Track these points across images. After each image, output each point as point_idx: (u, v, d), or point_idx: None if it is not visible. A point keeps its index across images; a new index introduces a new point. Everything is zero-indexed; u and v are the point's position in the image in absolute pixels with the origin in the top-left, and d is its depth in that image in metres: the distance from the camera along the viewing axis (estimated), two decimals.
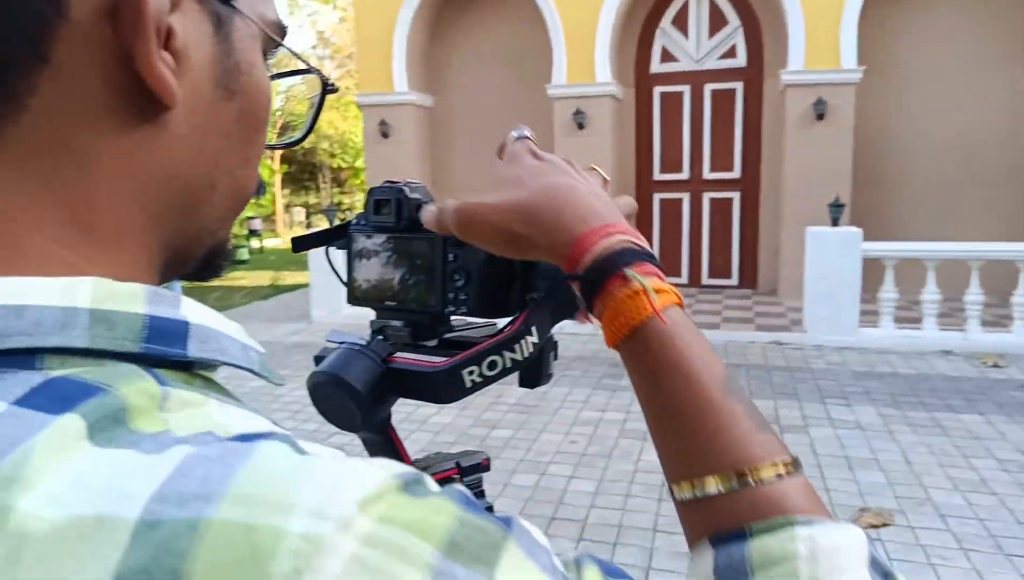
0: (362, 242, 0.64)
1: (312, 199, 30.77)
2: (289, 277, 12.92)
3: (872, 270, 6.88)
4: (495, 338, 0.56)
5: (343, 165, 28.95)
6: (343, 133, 26.90)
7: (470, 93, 9.78)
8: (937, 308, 6.50)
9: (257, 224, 20.09)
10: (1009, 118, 8.13)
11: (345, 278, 0.67)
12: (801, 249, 7.05)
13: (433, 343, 0.62)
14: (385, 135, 9.48)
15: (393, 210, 0.62)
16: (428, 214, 0.56)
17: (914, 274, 6.78)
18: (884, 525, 3.29)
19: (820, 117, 7.89)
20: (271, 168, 24.27)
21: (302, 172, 28.80)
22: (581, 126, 8.70)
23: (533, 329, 0.57)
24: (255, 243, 19.53)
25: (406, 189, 0.62)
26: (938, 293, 6.46)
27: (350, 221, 0.67)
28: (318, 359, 0.61)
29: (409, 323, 0.63)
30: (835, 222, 7.01)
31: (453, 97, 9.88)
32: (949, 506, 3.51)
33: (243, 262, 16.35)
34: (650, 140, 9.40)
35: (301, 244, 0.66)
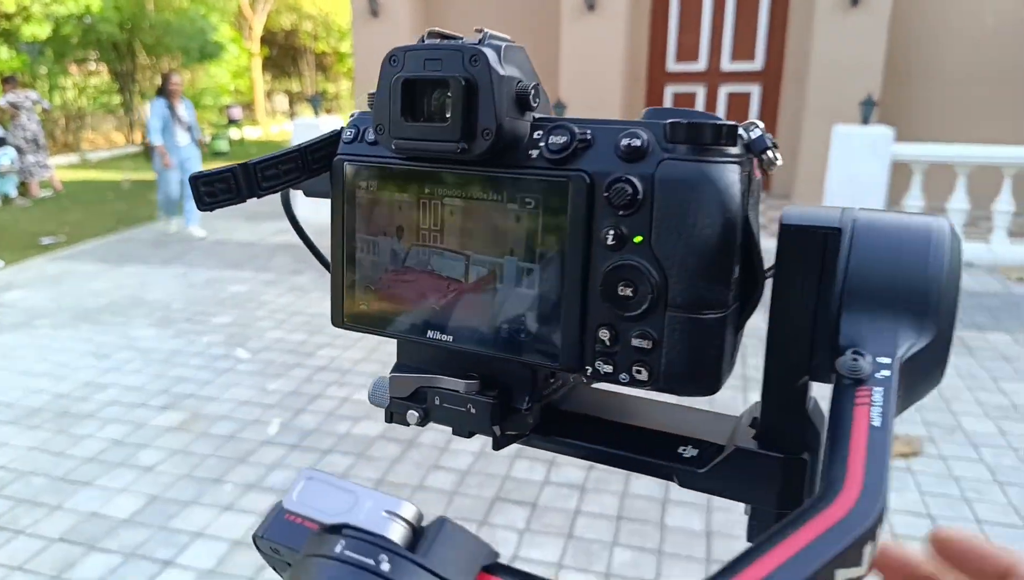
0: (371, 189, 0.44)
1: (295, 86, 29.41)
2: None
3: (897, 175, 6.46)
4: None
5: (327, 50, 27.48)
6: (327, 14, 25.35)
7: None
8: (965, 217, 6.12)
9: (236, 112, 18.97)
10: None
11: (330, 267, 0.47)
12: (823, 149, 6.64)
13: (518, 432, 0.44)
14: (375, 14, 8.67)
15: (460, 113, 0.38)
16: None
17: (943, 180, 6.38)
18: (914, 455, 3.18)
19: (854, 3, 7.19)
20: (249, 51, 22.89)
21: (283, 56, 27.34)
22: (592, 7, 7.95)
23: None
24: (235, 133, 18.55)
25: (492, 52, 0.38)
26: (967, 202, 6.10)
27: (337, 133, 0.46)
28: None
29: (488, 384, 0.44)
30: (865, 120, 6.52)
31: None
32: (981, 434, 3.37)
33: (222, 153, 15.61)
34: (666, 25, 8.74)
35: (207, 196, 0.42)
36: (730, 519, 2.69)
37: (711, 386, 0.38)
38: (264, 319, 4.99)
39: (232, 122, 18.64)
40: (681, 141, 0.36)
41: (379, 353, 4.31)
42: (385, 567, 0.27)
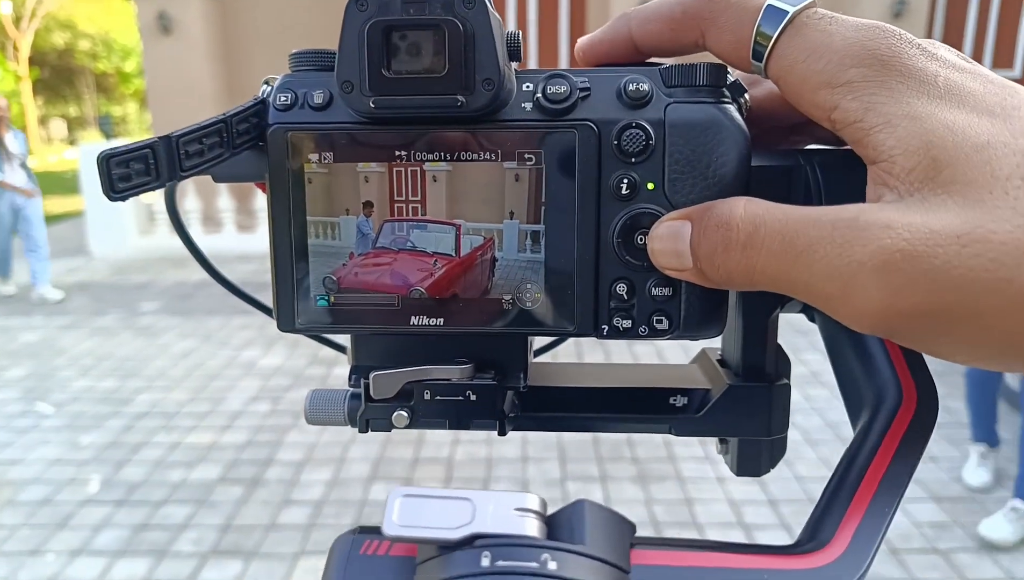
0: (326, 161, 0.38)
1: (73, 110, 26.78)
2: (55, 204, 11.09)
3: None
4: None
5: (109, 70, 25.30)
6: (106, 32, 23.34)
7: None
8: None
9: None
10: None
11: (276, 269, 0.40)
12: None
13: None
14: (166, 31, 8.11)
15: (461, 62, 0.34)
16: (663, 236, 0.34)
17: None
18: None
19: None
20: (17, 73, 20.55)
21: (58, 79, 24.80)
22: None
23: None
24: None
25: None
26: None
27: (261, 100, 0.38)
28: None
29: (481, 366, 0.41)
30: None
31: None
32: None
33: None
34: None
35: (119, 181, 0.33)
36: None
37: (721, 327, 0.39)
38: (66, 368, 4.48)
39: None
40: (678, 84, 0.36)
41: (210, 391, 4.02)
42: (552, 566, 0.26)
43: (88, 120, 25.22)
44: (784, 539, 2.60)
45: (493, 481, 3.03)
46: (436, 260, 0.39)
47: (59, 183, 12.90)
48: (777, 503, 2.82)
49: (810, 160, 0.40)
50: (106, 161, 0.33)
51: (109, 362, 4.55)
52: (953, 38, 8.31)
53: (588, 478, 3.03)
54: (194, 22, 8.18)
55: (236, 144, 0.37)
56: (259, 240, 7.06)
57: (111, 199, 0.34)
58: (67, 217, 9.56)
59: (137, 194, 0.34)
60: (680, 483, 2.98)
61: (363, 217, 0.39)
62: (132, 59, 22.89)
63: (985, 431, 3.12)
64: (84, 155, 7.07)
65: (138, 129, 23.33)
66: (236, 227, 7.24)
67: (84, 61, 24.57)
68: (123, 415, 3.78)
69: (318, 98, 0.38)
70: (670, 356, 3.91)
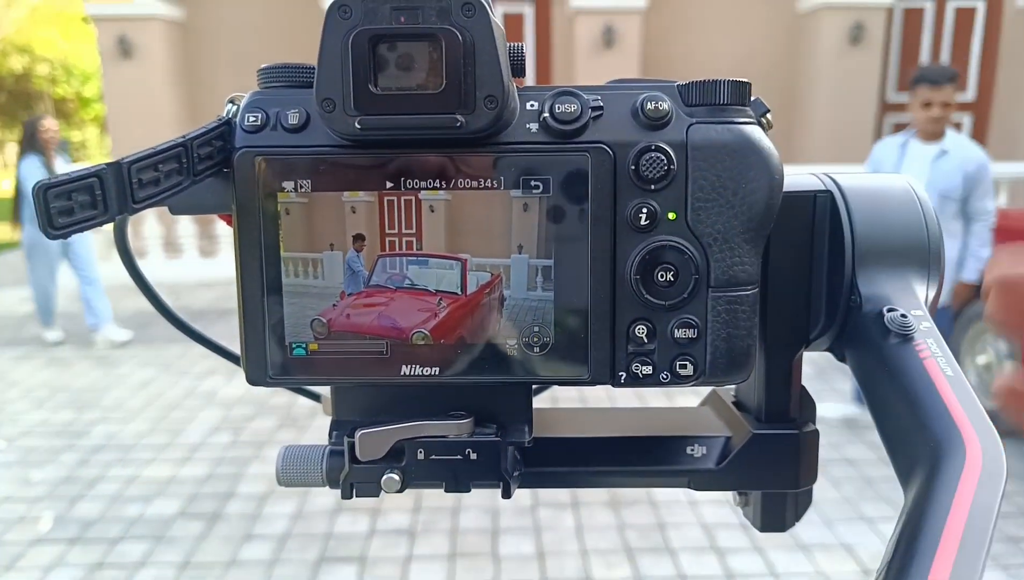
0: (304, 189, 0.33)
1: None
2: (8, 232, 10.80)
3: None
4: None
5: (68, 95, 24.87)
6: (66, 56, 22.98)
7: (229, 4, 8.55)
8: None
9: None
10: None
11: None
12: None
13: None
14: (127, 55, 8.00)
15: (459, 77, 0.31)
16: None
17: None
18: None
19: (609, 45, 7.87)
20: None
21: (15, 103, 24.31)
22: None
23: None
24: None
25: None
26: None
27: (226, 121, 0.34)
28: None
29: (481, 419, 0.36)
30: None
31: (209, 10, 8.59)
32: None
33: None
34: None
35: (60, 215, 0.29)
36: (559, 537, 2.74)
37: (749, 370, 0.35)
38: (19, 400, 4.32)
39: None
40: (698, 103, 0.33)
41: (169, 422, 3.90)
42: None
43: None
44: (758, 562, 2.57)
45: (463, 510, 2.97)
46: (440, 298, 0.34)
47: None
48: (748, 526, 2.80)
49: (836, 184, 0.37)
50: (43, 193, 0.28)
51: (65, 394, 4.40)
52: (908, 63, 8.55)
53: (559, 505, 2.98)
54: (155, 46, 8.08)
55: (197, 170, 0.32)
56: (222, 266, 6.93)
57: (49, 236, 0.28)
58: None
59: (81, 230, 0.29)
60: (653, 507, 2.94)
61: (353, 252, 0.34)
62: (92, 84, 22.55)
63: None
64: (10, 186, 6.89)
65: (98, 155, 22.92)
66: (199, 253, 7.10)
67: (42, 86, 24.11)
68: (78, 449, 3.64)
69: (293, 118, 0.34)
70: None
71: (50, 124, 5.13)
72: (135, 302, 6.23)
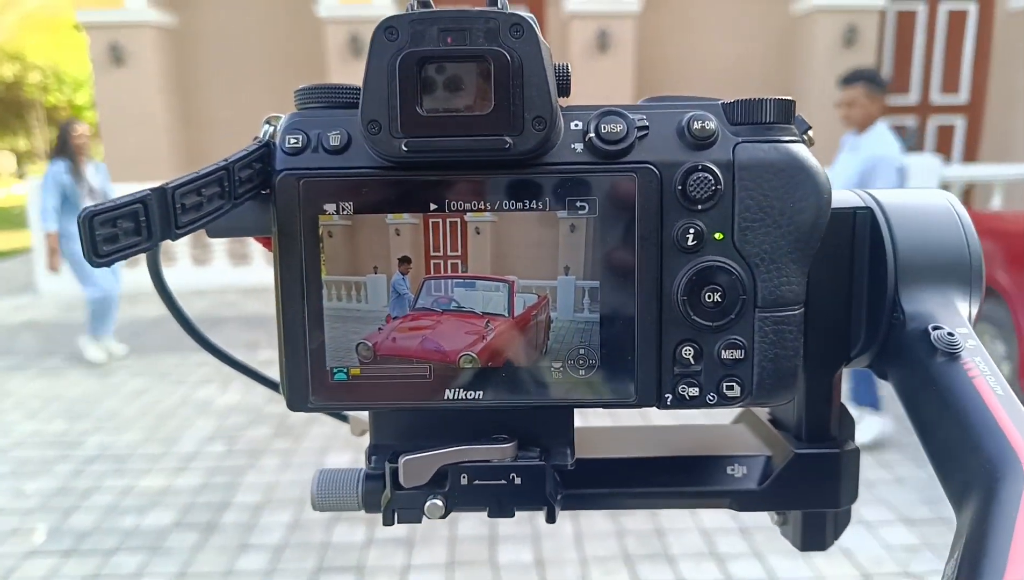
0: (346, 213, 0.33)
1: (22, 143, 26.17)
2: (1, 240, 10.76)
3: None
4: None
5: (60, 103, 24.83)
6: (57, 63, 22.93)
7: (222, 11, 8.52)
8: None
9: None
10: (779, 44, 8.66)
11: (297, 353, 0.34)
12: None
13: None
14: (119, 62, 7.98)
15: (508, 98, 0.30)
16: None
17: None
18: None
19: (603, 48, 7.88)
20: None
21: (6, 111, 24.26)
22: (360, 54, 7.91)
23: None
24: None
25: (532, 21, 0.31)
26: None
27: (266, 144, 0.34)
28: None
29: (524, 443, 0.35)
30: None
31: (202, 16, 8.57)
32: None
33: None
34: None
35: (104, 242, 0.28)
36: (558, 545, 2.73)
37: (794, 390, 0.35)
38: (12, 411, 4.29)
39: None
40: (743, 122, 0.32)
41: (164, 432, 3.88)
42: None
43: (38, 153, 24.67)
44: (758, 568, 2.56)
45: (461, 519, 2.95)
46: (488, 321, 0.34)
47: (7, 218, 12.52)
48: (747, 531, 2.79)
49: (875, 201, 0.37)
50: (89, 220, 0.27)
51: (57, 404, 4.37)
52: (902, 65, 8.59)
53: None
54: (147, 53, 8.05)
55: (238, 194, 0.32)
56: (215, 274, 6.91)
57: (94, 264, 0.28)
58: (15, 254, 9.26)
59: (126, 257, 0.29)
60: (651, 513, 2.93)
61: (399, 275, 0.34)
62: (84, 91, 22.51)
63: (870, 397, 3.41)
64: (32, 189, 6.85)
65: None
66: (191, 261, 7.08)
67: (34, 93, 24.06)
68: (72, 459, 3.61)
69: (334, 140, 0.33)
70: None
71: (83, 129, 4.89)
72: (126, 312, 6.20)
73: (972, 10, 8.53)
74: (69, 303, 6.70)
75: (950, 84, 8.69)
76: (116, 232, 0.28)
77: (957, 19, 8.55)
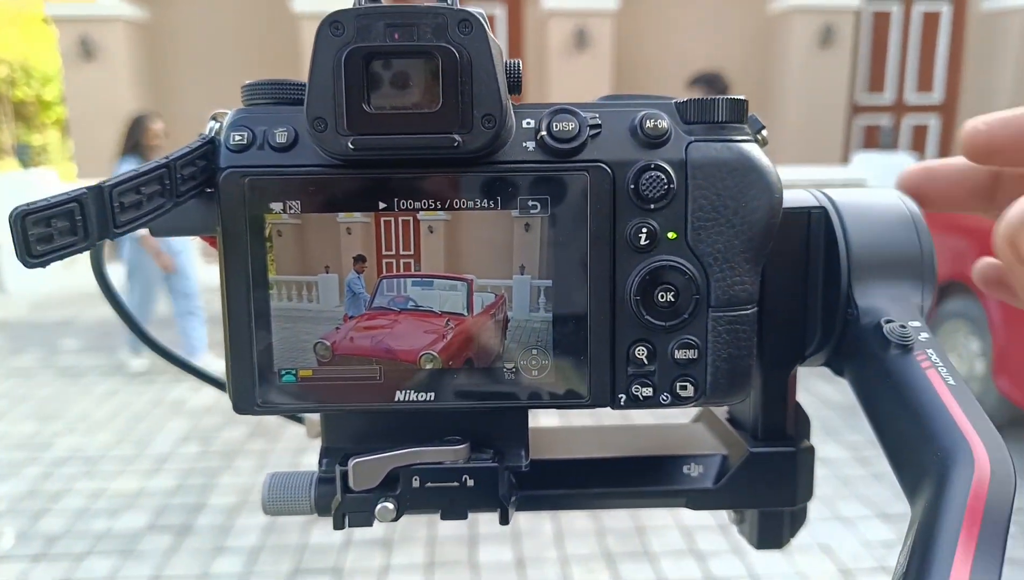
0: (294, 211, 0.32)
1: None
2: None
3: None
4: None
5: (28, 98, 24.37)
6: (25, 57, 22.51)
7: (195, 5, 8.42)
8: None
9: None
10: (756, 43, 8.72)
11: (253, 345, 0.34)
12: None
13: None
14: (89, 56, 7.83)
15: (456, 95, 0.30)
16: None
17: None
18: None
19: (581, 46, 7.88)
20: None
21: None
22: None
23: None
24: None
25: (480, 17, 0.30)
26: None
27: (210, 140, 0.33)
28: None
29: (478, 444, 0.35)
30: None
31: (174, 10, 8.45)
32: None
33: None
34: None
35: (38, 242, 0.27)
36: (538, 544, 2.72)
37: (748, 389, 0.35)
38: None
39: None
40: (696, 120, 0.32)
41: (136, 433, 3.80)
42: None
43: (5, 149, 24.21)
44: (738, 565, 2.56)
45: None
46: (448, 320, 0.34)
47: None
48: (727, 528, 2.80)
49: (829, 200, 0.38)
50: (20, 220, 0.26)
51: (27, 405, 4.27)
52: (877, 65, 8.69)
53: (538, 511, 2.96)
54: (118, 47, 7.92)
55: (180, 192, 0.31)
56: None
57: (28, 265, 0.27)
58: None
59: (62, 258, 0.28)
60: (632, 511, 2.93)
61: (354, 274, 0.33)
62: (53, 86, 22.13)
63: None
64: None
65: (60, 158, 22.47)
66: None
67: (1, 88, 23.61)
68: (41, 462, 3.54)
69: (281, 137, 0.33)
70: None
71: (158, 128, 4.46)
72: (97, 312, 6.09)
73: (946, 11, 8.66)
74: (38, 302, 6.57)
75: (924, 83, 8.81)
76: (51, 232, 0.27)
77: (931, 20, 8.67)
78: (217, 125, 0.34)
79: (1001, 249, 0.28)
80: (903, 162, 6.77)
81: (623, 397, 0.34)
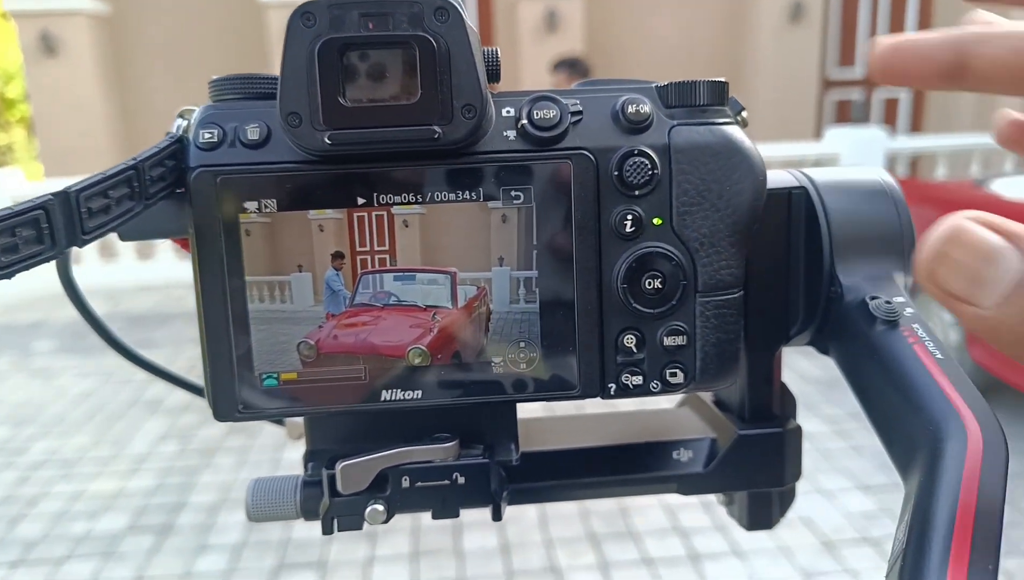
0: (268, 209, 0.31)
1: None
2: None
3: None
4: None
5: None
6: None
7: None
8: None
9: None
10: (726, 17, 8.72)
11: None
12: None
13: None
14: (51, 52, 7.67)
15: (435, 86, 0.29)
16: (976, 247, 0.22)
17: None
18: None
19: (552, 29, 7.83)
20: None
21: None
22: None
23: None
24: None
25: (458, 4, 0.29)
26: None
27: (178, 139, 0.32)
28: None
29: (467, 440, 0.34)
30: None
31: (137, 2, 8.27)
32: None
33: None
34: None
35: (3, 253, 0.26)
36: (522, 529, 2.72)
37: (736, 374, 0.35)
38: None
39: None
40: (677, 104, 0.32)
41: (114, 433, 3.75)
42: None
43: None
44: (721, 542, 2.58)
45: None
46: (434, 313, 0.33)
47: None
48: (711, 505, 2.81)
49: (809, 179, 0.37)
50: None
51: (0, 409, 4.20)
52: (847, 40, 8.72)
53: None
54: (81, 42, 7.75)
55: (150, 194, 0.30)
56: (161, 268, 6.70)
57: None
58: None
59: (27, 269, 0.26)
60: None
61: (332, 271, 0.32)
62: (15, 83, 21.66)
63: None
64: None
65: (26, 158, 22.05)
66: (136, 255, 6.86)
67: None
68: (16, 467, 3.48)
69: (252, 133, 0.31)
70: None
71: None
72: (70, 312, 5.98)
73: None
74: (8, 304, 6.45)
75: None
76: (16, 241, 0.26)
77: None
78: (185, 123, 0.33)
79: (923, 282, 0.27)
80: (875, 136, 6.81)
81: (613, 386, 0.34)
